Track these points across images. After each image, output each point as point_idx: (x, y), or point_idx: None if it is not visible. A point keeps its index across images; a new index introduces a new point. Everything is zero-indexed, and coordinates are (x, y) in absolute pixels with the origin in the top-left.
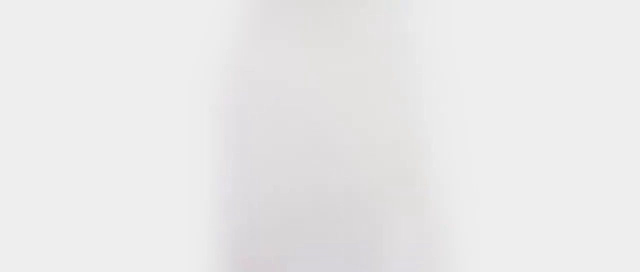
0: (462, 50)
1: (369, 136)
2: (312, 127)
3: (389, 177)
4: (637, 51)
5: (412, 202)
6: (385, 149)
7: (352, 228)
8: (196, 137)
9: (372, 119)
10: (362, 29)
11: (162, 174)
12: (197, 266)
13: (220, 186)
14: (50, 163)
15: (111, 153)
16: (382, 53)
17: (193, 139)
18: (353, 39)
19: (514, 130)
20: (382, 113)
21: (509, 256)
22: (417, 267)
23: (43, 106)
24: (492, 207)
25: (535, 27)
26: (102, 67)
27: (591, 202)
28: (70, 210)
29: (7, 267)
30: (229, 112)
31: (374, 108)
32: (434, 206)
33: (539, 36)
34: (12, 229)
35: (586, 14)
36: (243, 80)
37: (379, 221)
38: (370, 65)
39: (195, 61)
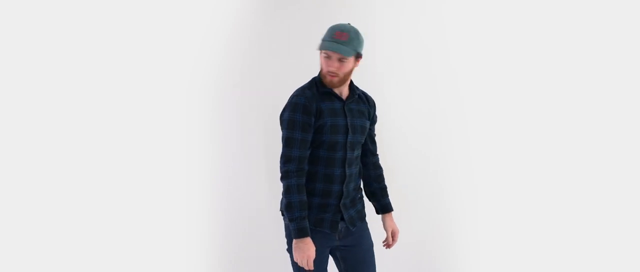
0: (459, 50)
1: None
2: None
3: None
4: (633, 53)
5: None
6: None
7: None
8: (196, 137)
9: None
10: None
11: (161, 173)
12: (196, 265)
13: (219, 185)
14: (50, 163)
15: (110, 153)
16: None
17: (193, 139)
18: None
19: (514, 130)
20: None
21: (508, 255)
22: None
23: (43, 106)
24: (492, 207)
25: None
26: (102, 68)
27: (590, 202)
28: (70, 210)
29: (7, 267)
30: (229, 112)
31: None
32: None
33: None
34: (12, 229)
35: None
36: (242, 80)
37: None
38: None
39: (195, 61)
